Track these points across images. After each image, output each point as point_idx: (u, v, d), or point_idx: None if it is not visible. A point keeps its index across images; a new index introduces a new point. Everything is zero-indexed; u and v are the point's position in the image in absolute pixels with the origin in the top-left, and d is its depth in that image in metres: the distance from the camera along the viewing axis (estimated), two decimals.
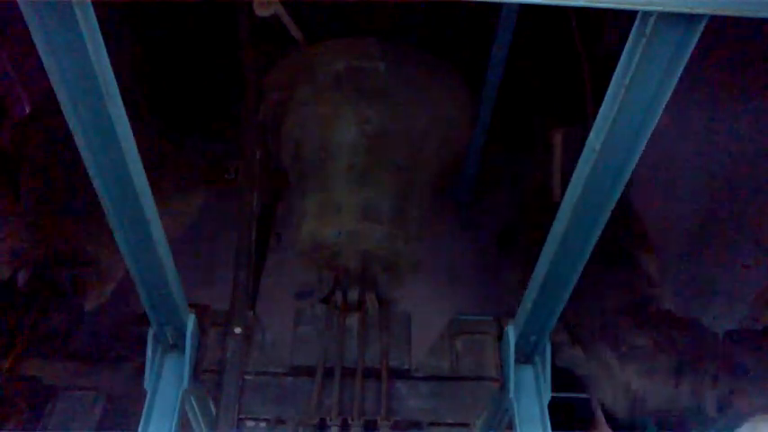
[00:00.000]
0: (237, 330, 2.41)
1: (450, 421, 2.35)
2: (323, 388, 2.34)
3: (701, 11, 1.21)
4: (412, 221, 2.81)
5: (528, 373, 2.31)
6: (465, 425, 2.36)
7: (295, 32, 2.82)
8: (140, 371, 2.27)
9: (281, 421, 2.33)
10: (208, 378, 2.36)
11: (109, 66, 1.40)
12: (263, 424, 2.34)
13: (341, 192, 2.76)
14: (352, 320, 2.51)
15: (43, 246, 2.82)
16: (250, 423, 2.33)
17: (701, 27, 1.27)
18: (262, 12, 2.39)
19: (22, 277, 2.72)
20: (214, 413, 2.32)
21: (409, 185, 2.83)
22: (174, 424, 2.15)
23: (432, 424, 2.34)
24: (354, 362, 2.40)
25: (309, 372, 2.38)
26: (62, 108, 1.44)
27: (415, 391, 2.38)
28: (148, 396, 2.20)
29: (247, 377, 2.37)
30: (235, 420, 2.30)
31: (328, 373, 2.37)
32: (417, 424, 2.34)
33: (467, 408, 2.36)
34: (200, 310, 2.38)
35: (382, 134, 2.80)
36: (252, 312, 2.51)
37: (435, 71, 2.98)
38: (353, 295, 2.59)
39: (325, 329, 2.46)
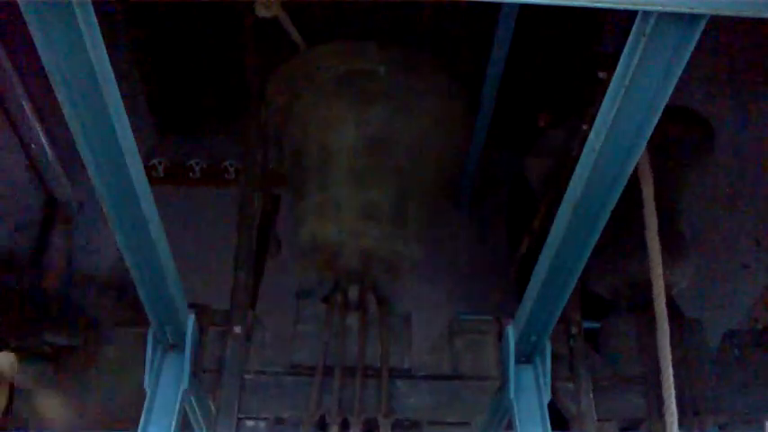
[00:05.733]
0: (237, 329, 2.41)
1: (449, 420, 2.35)
2: (323, 387, 2.34)
3: (701, 11, 1.21)
4: (412, 221, 2.81)
5: (528, 373, 2.30)
6: (465, 424, 2.36)
7: (296, 37, 2.84)
8: None
9: (280, 420, 2.33)
10: (207, 378, 2.36)
11: (109, 66, 1.40)
12: (262, 423, 2.34)
13: (341, 192, 2.77)
14: (353, 320, 2.51)
15: None
16: (250, 422, 2.33)
17: (701, 27, 1.27)
18: (263, 12, 2.39)
19: None
20: (214, 413, 2.33)
21: (409, 186, 2.83)
22: (173, 424, 2.14)
23: (432, 423, 2.34)
24: (354, 361, 2.40)
25: (309, 371, 2.38)
26: (62, 108, 1.44)
27: (415, 389, 2.38)
28: (148, 396, 2.20)
29: (247, 376, 2.38)
30: (235, 420, 2.30)
31: (328, 372, 2.37)
32: (417, 423, 2.34)
33: (466, 407, 2.36)
34: (200, 310, 2.38)
35: (382, 136, 2.80)
36: (252, 312, 2.51)
37: (434, 74, 2.99)
38: (353, 295, 2.60)
39: (325, 329, 2.46)
